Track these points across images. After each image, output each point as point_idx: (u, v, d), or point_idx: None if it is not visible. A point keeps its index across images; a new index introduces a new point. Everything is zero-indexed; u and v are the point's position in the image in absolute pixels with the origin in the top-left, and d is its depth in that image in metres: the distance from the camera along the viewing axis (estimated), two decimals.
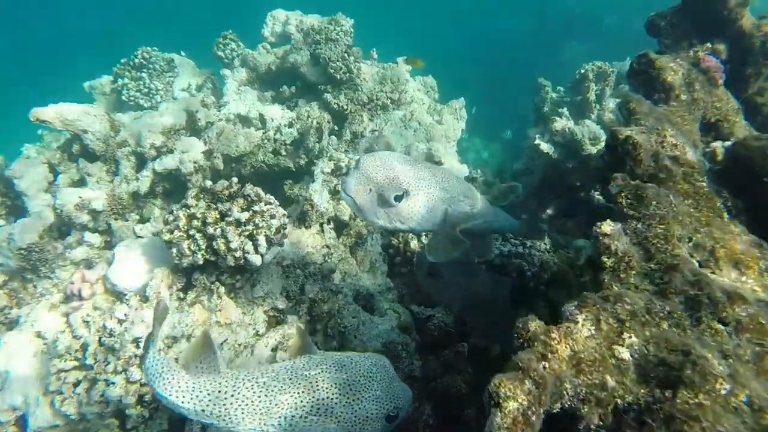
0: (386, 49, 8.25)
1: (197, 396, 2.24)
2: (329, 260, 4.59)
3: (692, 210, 2.63)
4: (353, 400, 2.23)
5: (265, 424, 2.20)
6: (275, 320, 4.12)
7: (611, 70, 7.12)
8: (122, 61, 7.33)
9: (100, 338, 3.43)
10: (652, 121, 3.11)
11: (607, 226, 2.36)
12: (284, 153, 6.67)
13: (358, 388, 2.27)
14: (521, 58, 15.76)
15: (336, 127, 7.10)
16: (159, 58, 7.41)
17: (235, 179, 3.87)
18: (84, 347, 3.39)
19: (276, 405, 2.21)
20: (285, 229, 3.88)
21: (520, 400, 1.65)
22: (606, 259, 2.31)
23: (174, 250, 3.69)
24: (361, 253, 5.29)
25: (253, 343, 3.75)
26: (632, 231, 2.43)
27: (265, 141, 6.51)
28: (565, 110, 6.78)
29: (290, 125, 6.77)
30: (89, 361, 3.34)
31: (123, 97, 7.05)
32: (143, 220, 5.32)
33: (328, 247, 4.65)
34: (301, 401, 2.21)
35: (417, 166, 2.86)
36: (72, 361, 3.37)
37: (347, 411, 2.22)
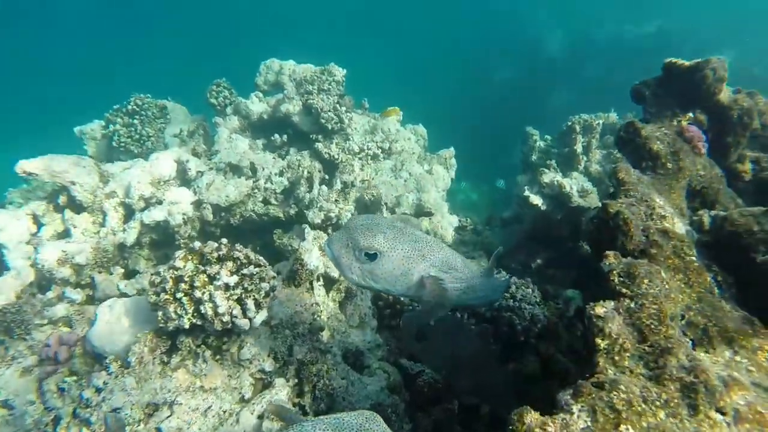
0: (378, 98, 8.46)
1: None
2: (318, 318, 4.52)
3: (683, 286, 2.66)
4: None
5: None
6: (261, 383, 4.01)
7: (597, 122, 7.34)
8: (115, 107, 7.40)
9: (74, 409, 3.29)
10: (640, 191, 3.18)
11: (600, 308, 2.37)
12: (274, 202, 6.68)
13: None
14: (509, 105, 16.25)
15: (327, 176, 7.16)
16: (152, 105, 7.48)
17: (224, 240, 3.84)
18: (56, 420, 3.24)
19: None
20: (274, 291, 3.83)
21: None
22: (600, 341, 2.31)
23: (159, 314, 3.61)
24: (350, 308, 5.22)
25: (238, 410, 3.62)
26: (625, 310, 2.43)
27: (255, 190, 6.53)
28: (553, 162, 6.93)
29: (281, 174, 6.81)
30: None
31: (113, 143, 7.07)
32: (128, 274, 5.23)
33: (317, 304, 4.58)
34: None
35: (401, 231, 2.91)
36: None
37: None
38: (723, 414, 2.05)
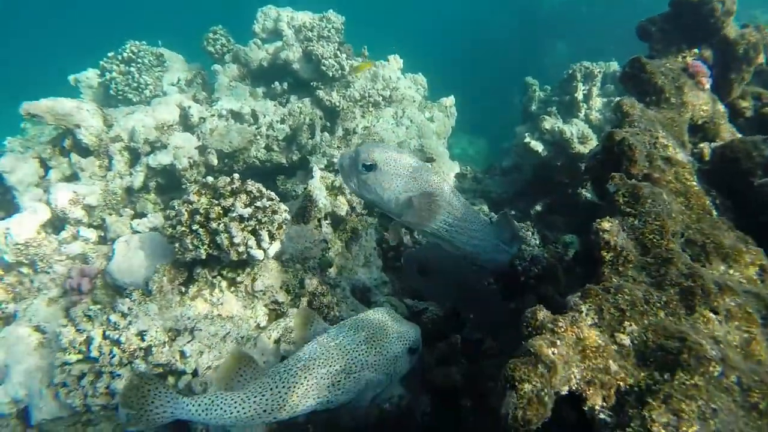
0: (377, 47, 8.35)
1: (254, 401, 2.49)
2: (327, 255, 4.68)
3: (684, 208, 2.81)
4: (379, 349, 2.67)
5: (319, 397, 2.57)
6: (275, 313, 4.20)
7: (598, 70, 7.34)
8: (109, 54, 7.25)
9: (104, 331, 3.45)
10: (644, 123, 3.28)
11: (606, 222, 2.51)
12: (277, 149, 6.72)
13: (379, 338, 2.70)
14: (506, 57, 16.03)
15: (328, 124, 7.17)
16: (148, 53, 7.35)
17: (236, 175, 3.93)
18: (88, 340, 3.41)
19: (322, 378, 2.56)
20: (287, 224, 3.95)
21: (534, 383, 1.79)
22: (605, 253, 2.46)
23: (176, 245, 3.73)
24: (356, 248, 5.39)
25: (255, 335, 3.82)
26: (629, 227, 2.58)
27: (258, 137, 6.55)
28: (554, 109, 6.97)
29: (282, 121, 6.82)
30: (94, 353, 3.36)
31: (111, 91, 6.98)
32: (138, 216, 5.32)
33: (325, 241, 4.73)
34: (340, 367, 2.59)
35: (404, 154, 3.12)
36: (76, 354, 3.39)
37: (378, 359, 2.66)
38: (716, 313, 2.24)
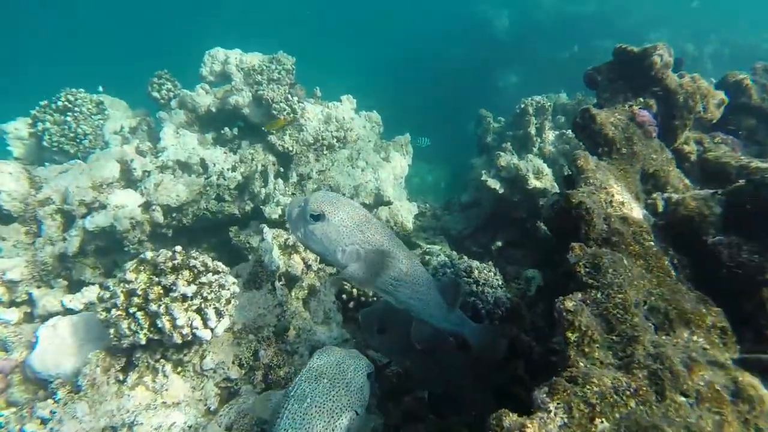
0: (329, 86, 8.23)
1: None
2: (282, 319, 4.39)
3: (644, 271, 2.73)
4: (346, 387, 2.72)
5: None
6: (228, 391, 3.87)
7: (548, 104, 7.46)
8: (42, 103, 6.79)
9: None
10: (599, 178, 3.23)
11: (570, 302, 2.39)
12: (228, 199, 6.42)
13: (340, 378, 2.75)
14: (460, 84, 16.31)
15: (282, 169, 6.94)
16: (86, 100, 6.94)
17: (179, 248, 3.62)
18: None
19: None
20: (235, 297, 3.66)
21: None
22: (570, 334, 2.33)
23: (112, 331, 3.38)
24: (314, 304, 5.12)
25: (205, 423, 3.48)
26: (592, 301, 2.47)
27: (208, 188, 6.24)
28: (508, 144, 7.00)
29: (233, 169, 6.53)
30: None
31: (44, 143, 6.51)
32: (73, 285, 4.88)
33: (281, 305, 4.45)
34: (324, 423, 2.59)
35: (354, 208, 3.10)
36: None
37: (350, 397, 2.71)
38: (686, 396, 2.12)
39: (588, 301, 2.47)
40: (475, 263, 5.93)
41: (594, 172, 3.28)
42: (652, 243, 2.87)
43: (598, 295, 2.48)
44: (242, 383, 3.88)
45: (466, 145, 15.08)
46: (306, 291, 4.97)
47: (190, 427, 3.46)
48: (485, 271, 5.90)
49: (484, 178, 6.73)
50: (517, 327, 5.92)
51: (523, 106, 7.50)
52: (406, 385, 4.77)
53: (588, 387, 2.07)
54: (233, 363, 3.90)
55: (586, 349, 2.31)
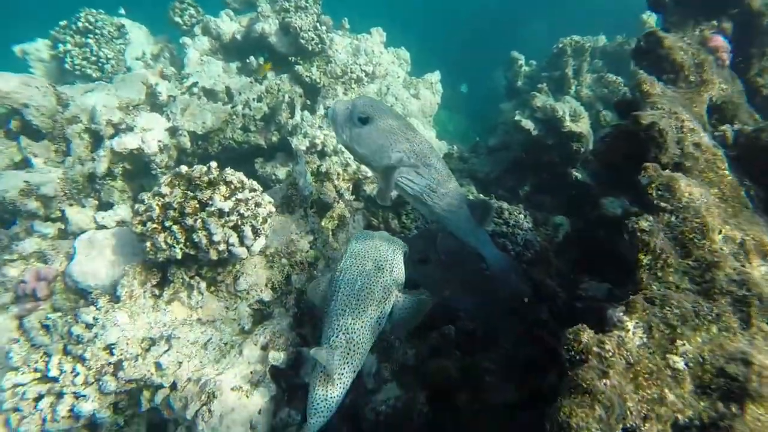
0: (356, 19, 7.75)
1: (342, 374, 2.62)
2: (314, 246, 4.26)
3: (718, 200, 2.51)
4: (389, 268, 2.81)
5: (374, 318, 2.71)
6: (260, 314, 3.80)
7: (588, 44, 6.99)
8: (61, 23, 6.44)
9: (65, 346, 2.98)
10: (666, 104, 2.94)
11: (645, 222, 2.18)
12: (254, 129, 6.17)
13: (380, 260, 2.80)
14: (485, 31, 15.50)
15: (309, 102, 6.64)
16: (107, 23, 6.59)
17: (213, 163, 3.44)
18: (46, 357, 2.94)
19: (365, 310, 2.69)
20: (271, 217, 3.51)
21: (593, 430, 1.46)
22: (643, 256, 2.14)
23: (147, 244, 3.25)
24: (343, 236, 4.98)
25: (240, 341, 3.41)
26: (665, 224, 2.26)
27: (234, 116, 5.98)
28: (544, 86, 6.60)
29: (259, 99, 6.24)
30: (53, 372, 2.90)
31: (66, 66, 6.24)
32: (103, 206, 4.76)
33: (312, 232, 4.31)
34: (375, 301, 2.71)
35: (400, 117, 3.06)
36: (31, 373, 2.92)
37: (393, 276, 2.82)
38: None
39: (660, 224, 2.26)
40: (506, 204, 5.71)
41: (660, 98, 2.99)
42: (726, 172, 2.62)
43: (672, 219, 2.26)
44: (275, 306, 3.79)
45: (490, 95, 14.51)
46: (336, 221, 4.81)
47: (225, 344, 3.40)
48: (516, 212, 5.70)
49: (517, 118, 6.38)
50: (544, 271, 5.78)
51: (561, 45, 7.04)
52: (433, 320, 4.71)
53: (667, 308, 1.90)
54: (266, 285, 3.80)
55: (659, 273, 2.12)
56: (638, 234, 2.15)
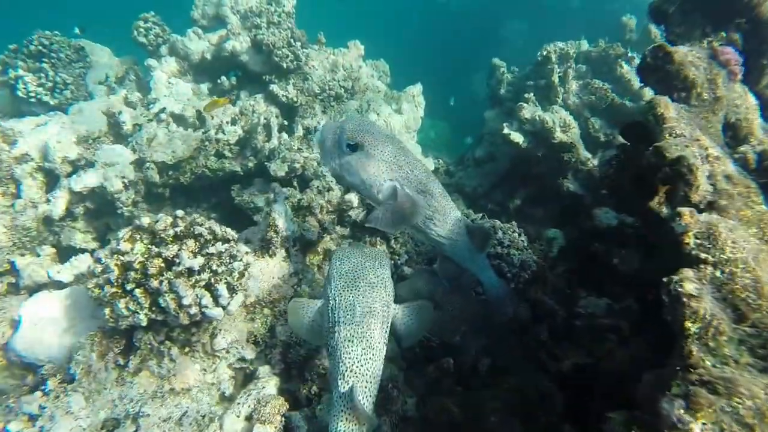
0: (331, 33, 7.33)
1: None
2: (299, 289, 3.83)
3: (758, 242, 2.17)
4: (382, 285, 2.58)
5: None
6: (243, 374, 3.35)
7: (572, 50, 6.70)
8: (11, 47, 5.86)
9: None
10: (685, 128, 2.61)
11: (690, 283, 1.82)
12: (229, 155, 5.69)
13: (371, 278, 2.56)
14: (462, 37, 15.23)
15: (286, 122, 6.20)
16: (64, 45, 6.04)
17: (180, 212, 2.98)
18: None
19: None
20: (248, 269, 3.07)
21: None
22: (690, 325, 1.78)
23: (106, 311, 2.78)
24: None
25: (220, 412, 2.96)
26: (709, 280, 1.92)
27: (206, 143, 5.50)
28: (531, 95, 6.29)
29: (233, 122, 5.77)
30: None
31: (19, 93, 5.66)
32: (62, 251, 4.24)
33: (297, 274, 3.88)
34: (378, 322, 2.49)
35: (392, 139, 2.84)
36: None
37: (388, 290, 2.61)
38: None
39: (704, 281, 1.92)
40: (498, 223, 5.36)
41: (678, 122, 2.65)
42: (763, 207, 2.30)
43: (717, 274, 1.92)
44: (259, 363, 3.35)
45: (470, 100, 14.23)
46: (321, 256, 4.39)
47: (203, 416, 2.94)
48: (510, 231, 5.36)
49: (506, 131, 6.05)
50: (541, 290, 5.45)
51: (545, 53, 6.72)
52: (431, 354, 4.34)
53: (737, 400, 1.54)
54: (247, 341, 3.36)
55: (711, 344, 1.77)
56: (684, 300, 1.79)
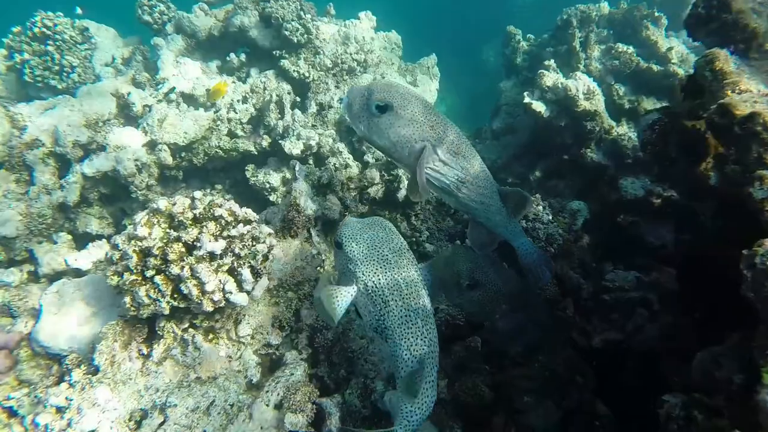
0: (340, 3, 6.96)
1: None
2: (323, 272, 3.65)
3: None
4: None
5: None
6: (270, 359, 3.20)
7: (594, 13, 6.30)
8: (14, 29, 5.61)
9: None
10: (748, 83, 2.32)
11: None
12: (242, 134, 5.47)
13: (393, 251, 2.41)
14: (472, 6, 14.64)
15: (298, 99, 5.92)
16: (67, 26, 5.77)
17: (198, 194, 2.78)
18: None
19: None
20: (272, 251, 2.88)
21: None
22: None
23: (127, 299, 2.62)
24: None
25: (249, 401, 2.82)
26: None
27: (218, 122, 5.27)
28: (552, 62, 5.93)
29: (245, 100, 5.53)
30: None
31: (26, 78, 5.45)
32: (79, 238, 4.09)
33: (320, 254, 3.69)
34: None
35: (421, 100, 2.73)
36: None
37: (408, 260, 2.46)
38: None
39: None
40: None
41: (740, 76, 2.37)
42: None
43: None
44: (285, 348, 3.20)
45: (480, 71, 13.75)
46: None
47: (232, 405, 2.80)
48: (534, 204, 5.12)
49: (527, 100, 5.72)
50: (567, 265, 5.24)
51: (565, 17, 6.34)
52: (457, 332, 4.17)
53: None
54: (273, 326, 3.20)
55: None
56: None
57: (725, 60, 2.39)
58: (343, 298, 2.29)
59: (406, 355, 2.28)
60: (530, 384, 3.93)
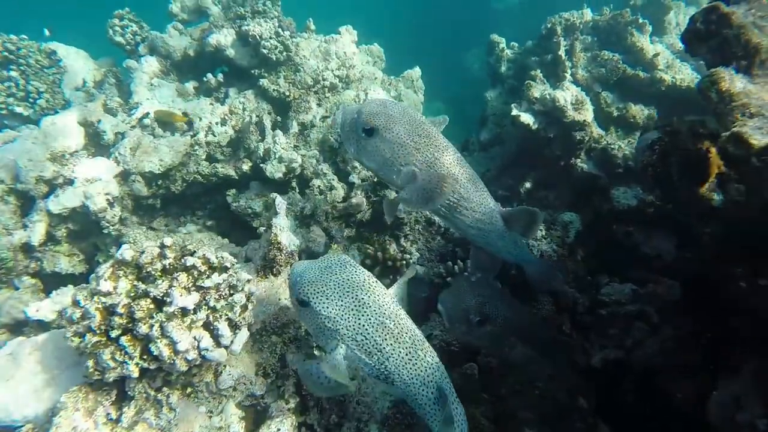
0: (318, 17, 6.73)
1: None
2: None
3: None
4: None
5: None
6: (254, 411, 2.94)
7: (578, 21, 6.16)
8: None
9: None
10: (756, 104, 2.14)
11: None
12: (221, 158, 5.21)
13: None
14: (450, 11, 14.52)
15: (279, 119, 5.68)
16: (32, 50, 5.45)
17: (168, 240, 2.51)
18: None
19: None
20: (251, 298, 2.62)
21: None
22: None
23: (90, 363, 2.34)
24: None
25: None
26: None
27: (196, 147, 5.00)
28: (538, 72, 5.76)
29: (223, 122, 5.27)
30: None
31: None
32: (46, 278, 3.78)
33: None
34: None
35: (412, 120, 2.64)
36: None
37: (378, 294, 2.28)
38: None
39: None
40: None
41: (748, 97, 2.19)
42: None
43: None
44: (271, 398, 2.94)
45: (464, 78, 13.63)
46: None
47: None
48: None
49: (515, 113, 5.54)
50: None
51: (549, 25, 6.18)
52: (451, 359, 3.95)
53: None
54: (257, 374, 2.94)
55: None
56: None
57: (729, 79, 2.21)
58: (340, 365, 2.06)
59: (422, 391, 2.17)
60: (530, 414, 3.73)
